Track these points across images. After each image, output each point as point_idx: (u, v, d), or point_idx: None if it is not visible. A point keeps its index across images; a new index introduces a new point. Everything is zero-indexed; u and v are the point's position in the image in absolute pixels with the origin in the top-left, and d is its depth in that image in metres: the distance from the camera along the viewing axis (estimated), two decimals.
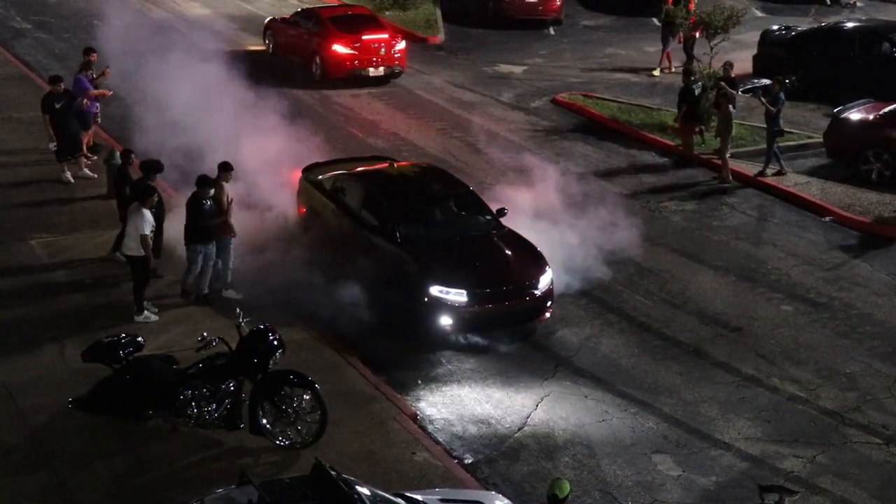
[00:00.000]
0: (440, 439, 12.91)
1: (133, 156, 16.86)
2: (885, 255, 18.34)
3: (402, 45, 27.21)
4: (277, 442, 12.18)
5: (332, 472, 9.32)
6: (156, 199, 15.15)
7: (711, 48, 24.78)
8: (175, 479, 11.65)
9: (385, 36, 27.01)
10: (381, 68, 26.70)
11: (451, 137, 23.16)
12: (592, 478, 12.26)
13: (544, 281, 15.28)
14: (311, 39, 26.97)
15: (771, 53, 26.94)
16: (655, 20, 29.01)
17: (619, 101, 25.85)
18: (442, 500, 10.41)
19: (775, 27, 28.85)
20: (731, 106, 21.16)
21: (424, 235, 15.77)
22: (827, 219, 19.68)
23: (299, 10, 29.35)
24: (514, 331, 15.21)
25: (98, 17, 26.60)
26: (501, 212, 16.48)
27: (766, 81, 23.48)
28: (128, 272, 15.23)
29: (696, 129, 22.41)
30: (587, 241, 17.24)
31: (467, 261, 15.29)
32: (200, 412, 12.10)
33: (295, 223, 17.51)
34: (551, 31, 32.92)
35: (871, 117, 21.48)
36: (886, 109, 21.43)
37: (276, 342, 12.25)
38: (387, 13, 32.69)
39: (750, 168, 21.62)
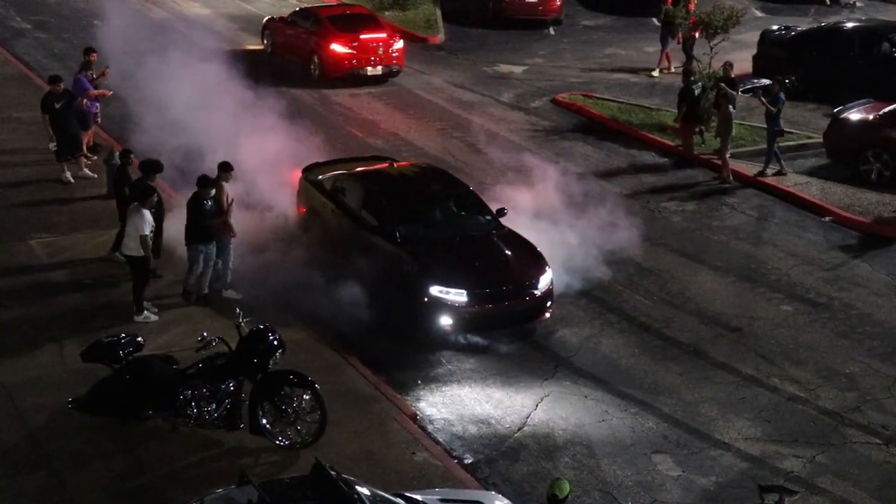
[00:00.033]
0: (440, 439, 12.90)
1: (132, 156, 16.85)
2: (884, 255, 18.35)
3: (400, 44, 27.24)
4: (277, 442, 12.18)
5: (332, 472, 9.32)
6: (155, 199, 15.14)
7: (711, 48, 24.78)
8: (175, 479, 11.65)
9: (383, 35, 27.04)
10: (380, 67, 26.74)
11: (451, 137, 23.16)
12: (592, 478, 12.26)
13: (544, 281, 15.28)
14: (309, 39, 27.00)
15: (770, 53, 26.95)
16: (655, 20, 29.00)
17: (618, 102, 25.86)
18: (442, 500, 10.41)
19: (775, 27, 28.85)
20: (730, 106, 21.16)
21: (424, 235, 15.77)
22: (827, 219, 19.69)
23: (297, 9, 29.36)
24: (513, 331, 15.21)
25: (98, 16, 26.60)
26: (501, 212, 16.48)
27: (766, 81, 23.46)
28: (127, 272, 15.23)
29: (696, 130, 22.41)
30: (587, 242, 17.24)
31: (467, 261, 15.29)
32: (200, 412, 12.10)
33: (295, 223, 17.51)
34: (551, 31, 32.92)
35: (870, 117, 21.48)
36: (886, 109, 21.43)
37: (275, 342, 12.25)
38: (387, 13, 32.70)
39: (750, 168, 21.62)
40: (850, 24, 27.93)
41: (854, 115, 21.77)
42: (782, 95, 21.15)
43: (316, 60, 26.66)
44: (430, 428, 13.14)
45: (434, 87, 26.93)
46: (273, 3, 33.63)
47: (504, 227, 16.23)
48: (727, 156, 21.25)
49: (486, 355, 14.75)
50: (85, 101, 19.55)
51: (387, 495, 9.69)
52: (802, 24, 29.84)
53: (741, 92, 22.91)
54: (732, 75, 22.02)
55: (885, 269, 17.74)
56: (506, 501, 10.90)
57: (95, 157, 19.70)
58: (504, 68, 28.86)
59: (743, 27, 27.06)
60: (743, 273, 17.50)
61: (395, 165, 17.61)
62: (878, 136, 21.06)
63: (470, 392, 13.93)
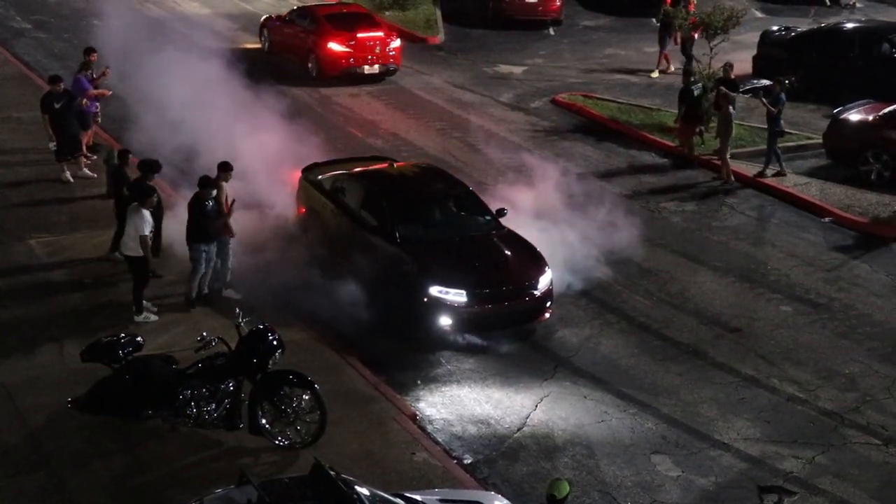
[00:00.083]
0: (439, 439, 12.90)
1: (130, 156, 16.86)
2: (884, 255, 18.35)
3: (397, 42, 27.30)
4: (277, 442, 12.18)
5: (332, 472, 9.32)
6: (155, 199, 15.15)
7: (711, 49, 24.78)
8: (174, 479, 11.65)
9: (380, 34, 27.13)
10: (377, 66, 26.80)
11: (451, 138, 23.16)
12: (591, 478, 12.26)
13: (544, 281, 15.28)
14: (306, 37, 27.06)
15: (770, 54, 26.95)
16: (654, 20, 29.00)
17: (618, 102, 25.86)
18: (441, 501, 10.41)
19: (775, 28, 28.85)
20: (731, 107, 21.16)
21: (424, 236, 15.77)
22: (826, 219, 19.69)
23: (295, 8, 29.39)
24: (513, 331, 15.20)
25: (98, 16, 26.59)
26: (501, 212, 16.48)
27: (766, 82, 23.49)
28: (126, 272, 15.23)
29: (697, 130, 22.41)
30: (587, 242, 17.25)
31: (467, 261, 15.29)
32: (200, 412, 12.10)
33: (294, 223, 17.51)
34: (551, 31, 32.91)
35: (870, 118, 21.49)
36: (886, 110, 21.44)
37: (275, 342, 12.25)
38: (386, 13, 32.70)
39: (749, 169, 21.62)
40: (849, 25, 27.95)
41: (854, 116, 21.77)
42: (783, 96, 21.16)
43: (313, 59, 26.72)
44: (429, 428, 13.14)
45: (434, 87, 26.93)
46: (272, 3, 33.63)
47: (504, 227, 16.23)
48: (727, 156, 21.25)
49: (486, 355, 14.75)
50: (84, 100, 19.55)
51: (386, 495, 9.69)
52: (802, 25, 29.82)
53: (741, 92, 22.92)
54: (732, 76, 22.02)
55: (884, 270, 17.74)
56: (505, 502, 10.91)
57: (95, 157, 19.70)
58: (504, 69, 28.86)
59: (743, 28, 27.05)
60: (742, 273, 17.51)
61: (394, 165, 17.61)
62: (878, 136, 21.07)
63: (469, 392, 13.93)
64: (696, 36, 26.84)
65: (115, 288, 15.66)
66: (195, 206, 15.08)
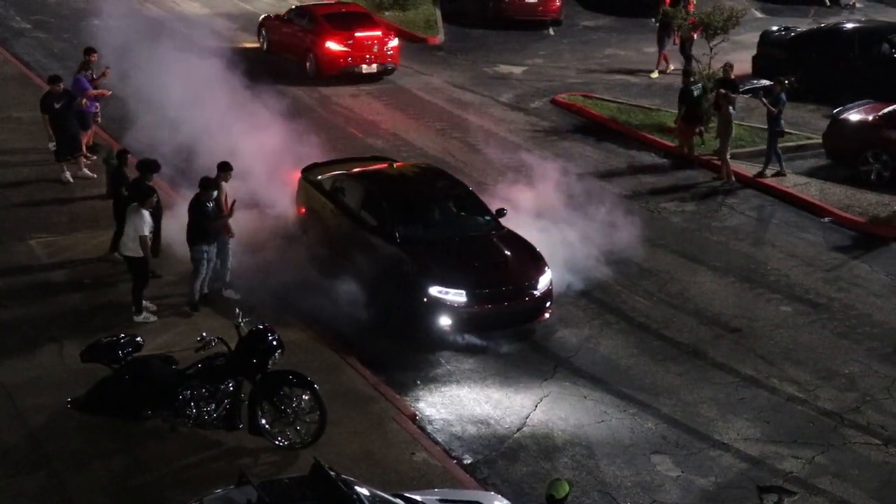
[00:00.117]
0: (439, 440, 12.91)
1: (129, 156, 16.86)
2: (884, 255, 18.35)
3: (394, 42, 27.38)
4: (276, 442, 12.18)
5: (332, 473, 9.32)
6: (155, 199, 15.14)
7: (711, 49, 24.78)
8: (174, 479, 11.65)
9: (378, 33, 27.22)
10: (374, 65, 26.89)
11: (451, 138, 23.17)
12: (591, 478, 12.26)
13: (543, 281, 15.28)
14: (304, 37, 27.15)
15: (770, 54, 26.96)
16: (653, 20, 29.00)
17: (618, 102, 25.86)
18: (441, 501, 10.41)
19: (775, 28, 28.86)
20: (731, 107, 21.16)
21: (423, 236, 15.77)
22: (826, 219, 19.69)
23: (293, 7, 29.44)
24: (513, 331, 15.20)
25: (97, 16, 26.59)
26: (501, 212, 16.48)
27: (766, 82, 23.49)
28: (126, 272, 15.23)
29: (696, 131, 22.41)
30: (586, 242, 17.25)
31: (466, 261, 15.29)
32: (199, 412, 12.10)
33: (294, 223, 17.51)
34: (551, 31, 32.91)
35: (870, 118, 21.49)
36: (885, 110, 21.44)
37: (275, 342, 12.25)
38: (386, 13, 32.71)
39: (749, 169, 21.62)
40: (849, 25, 27.96)
41: (853, 116, 21.78)
42: (783, 96, 21.16)
43: (311, 58, 26.79)
44: (429, 428, 13.14)
45: (434, 87, 26.93)
46: (272, 3, 33.62)
47: (503, 227, 16.23)
48: (727, 156, 21.25)
49: (486, 356, 14.75)
50: (84, 101, 19.55)
51: (386, 495, 9.69)
52: (802, 25, 29.84)
53: (741, 92, 22.92)
54: (732, 76, 22.03)
55: (884, 270, 17.75)
56: (505, 502, 10.91)
57: (95, 157, 19.70)
58: (504, 69, 28.87)
59: (743, 28, 27.06)
60: (742, 274, 17.51)
61: (394, 166, 17.61)
62: (878, 136, 21.07)
63: (469, 392, 13.93)
64: (695, 36, 26.85)
65: (115, 288, 15.66)
66: (196, 207, 15.06)
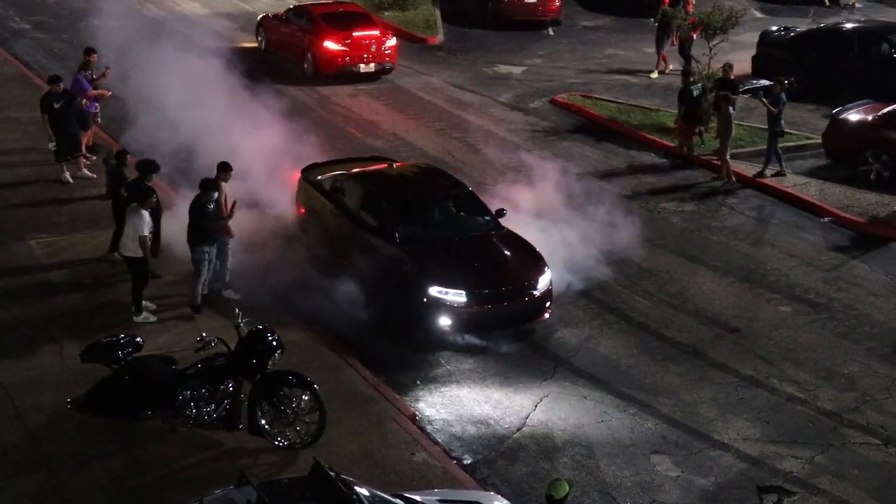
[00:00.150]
0: (439, 440, 12.90)
1: (129, 156, 16.86)
2: (883, 255, 18.35)
3: (392, 41, 27.43)
4: (276, 442, 12.18)
5: (331, 473, 9.32)
6: (154, 200, 15.14)
7: (710, 49, 24.78)
8: (173, 479, 11.65)
9: (376, 32, 27.29)
10: (372, 64, 26.94)
11: (450, 138, 23.17)
12: (591, 478, 12.26)
13: (543, 281, 15.28)
14: (302, 36, 27.21)
15: (770, 54, 26.97)
16: (652, 20, 29.00)
17: (618, 102, 25.86)
18: (441, 501, 10.41)
19: (774, 28, 28.87)
20: (730, 108, 21.16)
21: (423, 236, 15.77)
22: (826, 219, 19.69)
23: (291, 6, 29.46)
24: (512, 331, 15.20)
25: (97, 16, 26.59)
26: (500, 212, 16.48)
27: (765, 82, 23.48)
28: (125, 272, 15.23)
29: (696, 131, 22.42)
30: (586, 242, 17.25)
31: (466, 261, 15.29)
32: (199, 413, 12.09)
33: (294, 223, 17.51)
34: (550, 31, 32.91)
35: (869, 118, 21.49)
36: (885, 110, 21.44)
37: (274, 343, 12.24)
38: (386, 13, 32.71)
39: (749, 169, 21.62)
40: (849, 25, 27.96)
41: (853, 116, 21.78)
42: (783, 96, 21.16)
43: (309, 58, 26.84)
44: (429, 428, 13.14)
45: (433, 87, 26.93)
46: (271, 3, 33.62)
47: (503, 227, 16.23)
48: (727, 157, 21.24)
49: (485, 356, 14.75)
50: (84, 101, 19.55)
51: (386, 496, 9.69)
52: (802, 25, 29.84)
53: (741, 92, 22.92)
54: (732, 76, 22.03)
55: (884, 270, 17.75)
56: (505, 502, 10.91)
57: (94, 158, 19.70)
58: (503, 69, 28.86)
59: (742, 28, 27.05)
60: (742, 274, 17.51)
61: (394, 166, 17.61)
62: (877, 136, 21.07)
63: (469, 392, 13.92)
64: (694, 36, 26.86)
65: (115, 288, 15.66)
66: (196, 208, 15.03)
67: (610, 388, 14.10)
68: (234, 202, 15.48)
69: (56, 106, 18.81)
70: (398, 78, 27.35)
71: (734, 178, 21.22)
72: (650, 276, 17.24)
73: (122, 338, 12.41)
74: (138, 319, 14.79)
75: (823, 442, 13.14)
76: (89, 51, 20.43)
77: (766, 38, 27.72)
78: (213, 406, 12.12)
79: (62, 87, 19.12)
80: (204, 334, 12.36)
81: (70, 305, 15.24)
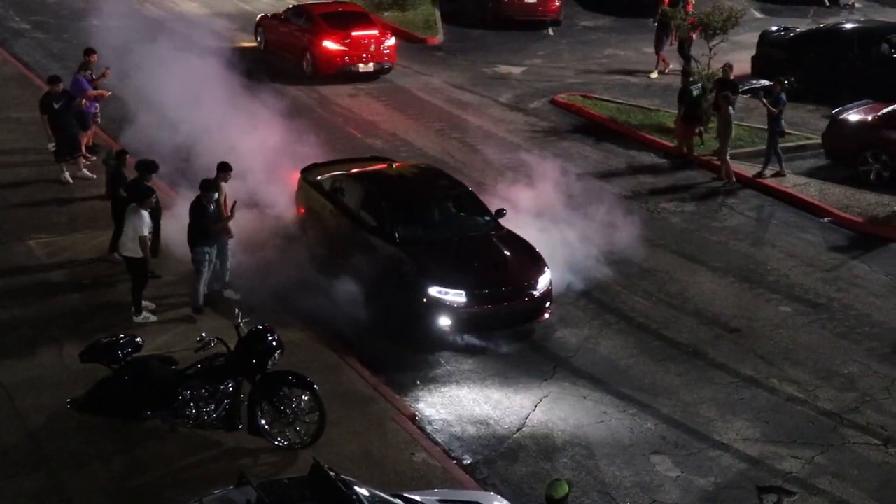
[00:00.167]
0: (439, 440, 12.90)
1: (127, 156, 16.86)
2: (883, 255, 18.36)
3: (391, 41, 27.47)
4: (276, 442, 12.18)
5: (331, 473, 9.32)
6: (154, 200, 15.14)
7: (710, 49, 24.78)
8: (173, 479, 11.65)
9: (375, 32, 27.33)
10: (371, 64, 26.99)
11: (450, 138, 23.17)
12: (591, 478, 12.26)
13: (543, 282, 15.28)
14: (302, 36, 27.26)
15: (770, 54, 26.97)
16: (651, 21, 28.99)
17: (617, 102, 25.86)
18: (440, 501, 10.41)
19: (774, 28, 28.87)
20: (730, 108, 21.15)
21: (423, 236, 15.77)
22: (825, 220, 19.70)
23: (290, 6, 29.48)
24: (512, 332, 15.20)
25: (97, 16, 26.60)
26: (500, 212, 16.48)
27: (765, 82, 23.48)
28: (125, 272, 15.22)
29: (696, 131, 22.42)
30: (586, 242, 17.25)
31: (466, 261, 15.29)
32: (199, 413, 12.09)
33: (294, 224, 17.51)
34: (550, 31, 32.91)
35: (869, 118, 21.49)
36: (885, 110, 21.44)
37: (274, 343, 12.25)
38: (385, 14, 32.71)
39: (748, 169, 21.62)
40: (848, 26, 27.96)
41: (853, 116, 21.78)
42: (783, 96, 21.16)
43: (308, 57, 26.89)
44: (428, 428, 13.14)
45: (433, 87, 26.93)
46: (271, 3, 33.62)
47: (503, 227, 16.23)
48: (728, 157, 21.24)
49: (485, 356, 14.75)
50: (84, 101, 19.54)
51: (385, 496, 9.69)
52: (801, 26, 29.84)
53: (741, 93, 22.93)
54: (732, 77, 22.03)
55: (883, 270, 17.75)
56: (504, 502, 10.91)
57: (94, 158, 19.70)
58: (503, 69, 28.86)
59: (742, 28, 27.05)
60: (742, 274, 17.51)
61: (393, 166, 17.61)
62: (877, 136, 21.07)
63: (469, 393, 13.92)
64: (693, 36, 26.86)
65: (114, 288, 15.66)
66: (197, 209, 15.02)
67: (610, 388, 14.10)
68: (235, 202, 15.48)
69: (55, 106, 18.80)
70: (398, 78, 27.35)
71: (734, 179, 21.22)
72: (650, 277, 17.24)
73: (122, 338, 12.41)
74: (138, 319, 14.79)
75: (823, 442, 13.14)
76: (89, 51, 20.42)
77: (765, 39, 27.73)
78: (212, 406, 12.12)
79: (62, 87, 19.12)
80: (204, 334, 12.36)
81: (70, 305, 15.24)
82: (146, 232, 14.62)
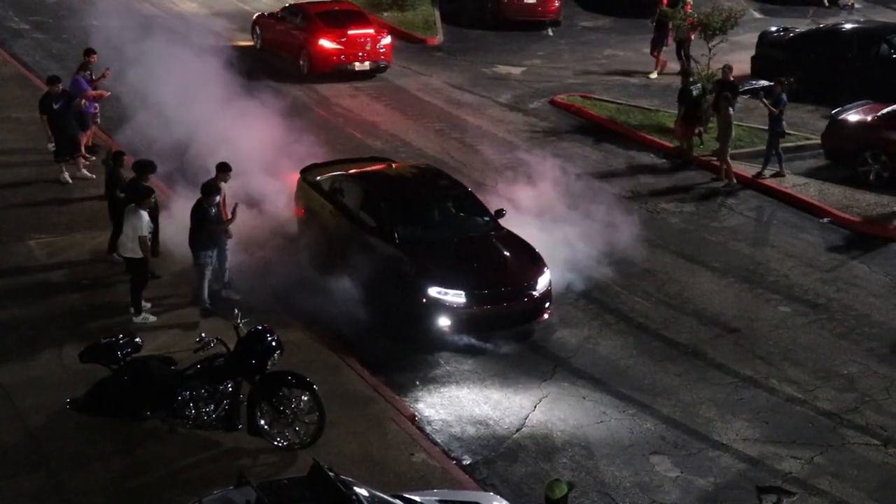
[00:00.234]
0: (438, 440, 12.91)
1: (125, 157, 16.86)
2: (882, 255, 18.36)
3: (387, 39, 27.54)
4: (275, 443, 12.18)
5: (331, 473, 9.32)
6: (153, 200, 15.13)
7: (710, 49, 24.79)
8: (173, 480, 11.65)
9: (370, 31, 27.38)
10: (367, 63, 27.08)
11: (450, 138, 23.17)
12: (590, 479, 12.26)
13: (542, 282, 15.28)
14: (298, 35, 27.34)
15: (769, 55, 26.97)
16: (650, 21, 28.99)
17: (617, 103, 25.86)
18: (440, 501, 10.40)
19: (773, 28, 28.87)
20: (730, 109, 21.15)
21: (423, 236, 15.77)
22: (825, 220, 19.70)
23: (286, 5, 29.51)
24: (512, 332, 15.19)
25: (96, 17, 26.59)
26: (500, 213, 16.48)
27: (764, 83, 23.47)
28: (124, 273, 15.22)
29: (696, 131, 22.42)
30: (585, 243, 17.25)
31: (465, 262, 15.29)
32: (198, 413, 12.09)
33: (293, 224, 17.51)
34: (549, 32, 32.90)
35: (868, 119, 21.50)
36: (884, 111, 21.44)
37: (274, 343, 12.24)
38: (385, 14, 32.71)
39: (748, 169, 21.63)
40: (848, 26, 27.97)
41: (852, 117, 21.78)
42: (784, 97, 21.16)
43: (305, 56, 26.96)
44: (428, 429, 13.14)
45: (432, 87, 26.93)
46: (271, 3, 33.60)
47: (503, 228, 16.22)
48: (728, 157, 21.23)
49: (485, 356, 14.75)
50: (83, 101, 19.54)
51: (385, 496, 9.69)
52: (801, 26, 29.84)
53: (741, 93, 22.93)
54: (731, 78, 22.03)
55: (883, 270, 17.75)
56: (504, 502, 10.91)
57: (94, 158, 19.71)
58: (502, 69, 28.86)
59: (741, 28, 27.06)
60: (741, 274, 17.51)
61: (393, 166, 17.61)
62: (877, 137, 21.07)
63: (468, 393, 13.92)
64: (692, 37, 26.85)
65: (114, 289, 15.66)
66: (198, 213, 14.99)
67: (609, 388, 14.10)
68: (237, 205, 15.45)
69: (55, 107, 18.80)
70: (397, 78, 27.35)
71: (734, 180, 21.21)
72: (649, 277, 17.24)
73: (122, 338, 12.40)
74: (137, 320, 14.79)
75: (823, 442, 13.14)
76: (89, 51, 20.41)
77: (765, 39, 27.73)
78: (212, 406, 12.12)
79: (61, 87, 19.12)
80: (203, 335, 12.37)
81: (69, 306, 15.24)
82: (146, 232, 14.61)
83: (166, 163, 18.00)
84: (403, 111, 24.91)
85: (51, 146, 18.98)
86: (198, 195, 15.20)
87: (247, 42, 29.09)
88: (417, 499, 10.14)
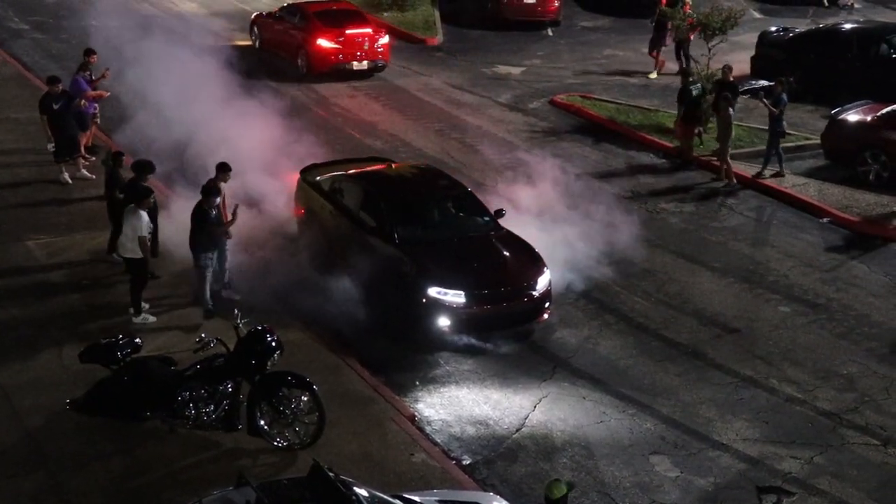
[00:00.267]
0: (438, 440, 12.90)
1: (123, 157, 16.86)
2: (882, 255, 18.36)
3: (385, 39, 27.57)
4: (275, 443, 12.18)
5: (330, 473, 9.31)
6: (153, 200, 15.13)
7: (709, 49, 24.79)
8: (173, 480, 11.65)
9: (368, 30, 27.42)
10: (365, 62, 27.13)
11: (449, 138, 23.16)
12: (590, 479, 12.26)
13: (542, 282, 15.28)
14: (296, 34, 27.38)
15: (769, 55, 26.97)
16: (649, 22, 29.00)
17: (616, 103, 25.86)
18: (440, 502, 10.40)
19: (773, 28, 28.87)
20: (730, 109, 21.15)
21: (422, 236, 15.77)
22: (824, 220, 19.70)
23: (285, 5, 29.53)
24: (512, 332, 15.19)
25: (95, 17, 26.58)
26: (499, 213, 16.48)
27: (764, 83, 23.46)
28: (124, 273, 15.22)
29: (696, 131, 22.42)
30: (585, 243, 17.25)
31: (465, 262, 15.29)
32: (198, 413, 12.09)
33: (293, 224, 17.50)
34: (549, 32, 32.90)
35: (868, 119, 21.50)
36: (884, 111, 21.44)
37: (273, 343, 12.24)
38: (385, 14, 32.71)
39: (748, 169, 21.63)
40: (848, 26, 27.97)
41: (852, 117, 21.78)
42: (784, 97, 21.16)
43: (303, 55, 26.99)
44: (428, 429, 13.13)
45: (432, 88, 26.93)
46: (270, 3, 33.60)
47: (502, 228, 16.22)
48: (728, 158, 21.22)
49: (485, 356, 14.75)
50: (83, 101, 19.54)
51: (385, 496, 9.69)
52: (801, 26, 29.84)
53: (740, 93, 22.92)
54: (731, 78, 22.03)
55: (882, 270, 17.75)
56: (504, 502, 10.91)
57: (93, 158, 19.70)
58: (502, 69, 28.86)
59: (741, 28, 27.05)
60: (741, 274, 17.51)
61: (392, 166, 17.61)
62: (876, 137, 21.08)
63: (468, 393, 13.92)
64: (692, 37, 26.85)
65: (113, 289, 15.66)
66: (199, 214, 14.97)
67: (609, 388, 14.10)
68: (237, 206, 15.44)
69: (55, 107, 18.80)
70: (397, 78, 27.35)
71: (734, 180, 21.21)
72: (649, 277, 17.24)
73: (121, 338, 12.40)
74: (137, 320, 14.79)
75: (822, 442, 13.14)
76: (89, 52, 20.41)
77: (764, 39, 27.73)
78: (212, 407, 12.12)
79: (61, 87, 19.11)
80: (203, 335, 12.38)
81: (69, 306, 15.24)
82: (145, 232, 14.61)
83: (165, 163, 18.01)
84: (403, 111, 24.90)
85: (50, 146, 18.98)
86: (197, 195, 15.20)
87: (245, 42, 29.11)
88: (417, 499, 10.14)
